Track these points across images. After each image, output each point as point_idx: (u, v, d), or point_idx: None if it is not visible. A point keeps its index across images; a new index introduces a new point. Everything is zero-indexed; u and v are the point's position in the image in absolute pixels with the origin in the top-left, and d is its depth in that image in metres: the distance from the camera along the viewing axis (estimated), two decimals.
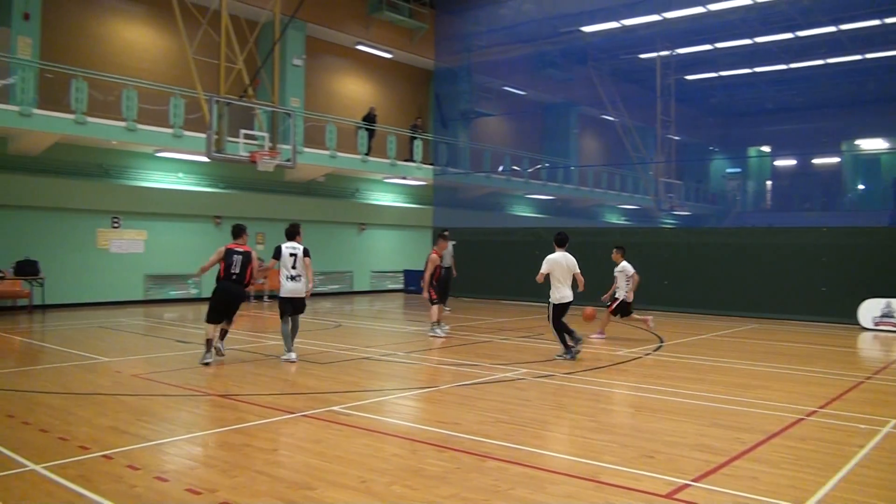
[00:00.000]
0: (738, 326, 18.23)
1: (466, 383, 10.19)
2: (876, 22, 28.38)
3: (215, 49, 18.68)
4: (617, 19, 30.42)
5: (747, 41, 32.30)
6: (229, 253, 11.86)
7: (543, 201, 37.29)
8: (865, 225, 21.66)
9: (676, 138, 37.13)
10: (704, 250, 21.66)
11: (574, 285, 12.60)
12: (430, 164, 30.36)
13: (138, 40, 24.57)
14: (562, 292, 12.39)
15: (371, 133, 28.09)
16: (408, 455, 6.63)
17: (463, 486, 5.70)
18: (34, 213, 20.70)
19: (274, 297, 24.76)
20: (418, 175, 29.64)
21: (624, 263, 15.35)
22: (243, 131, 18.26)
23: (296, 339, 12.36)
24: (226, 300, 11.91)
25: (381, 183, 30.58)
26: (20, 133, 19.57)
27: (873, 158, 39.13)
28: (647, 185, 37.96)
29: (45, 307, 20.07)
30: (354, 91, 31.58)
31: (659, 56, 33.91)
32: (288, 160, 19.73)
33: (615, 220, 41.54)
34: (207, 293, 12.72)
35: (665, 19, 29.96)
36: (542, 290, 13.27)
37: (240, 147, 18.24)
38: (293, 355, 11.89)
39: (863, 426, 7.80)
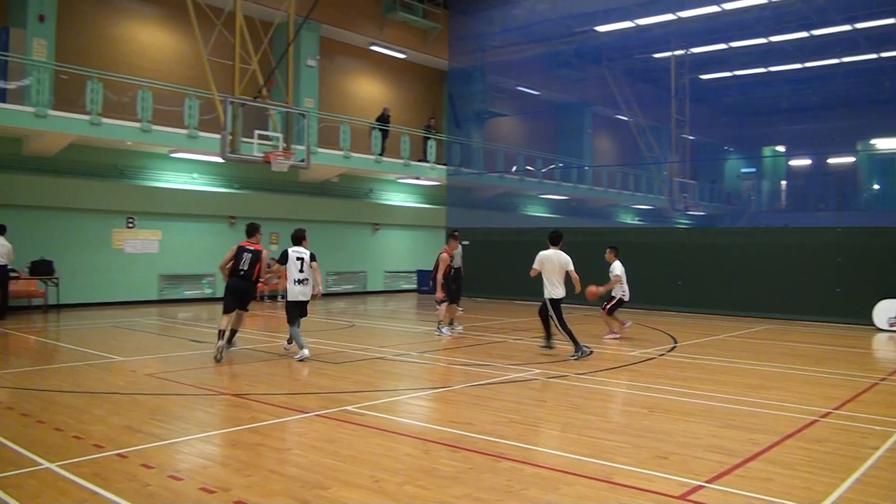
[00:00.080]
0: (752, 327, 18.15)
1: (479, 383, 10.19)
2: (892, 21, 28.18)
3: (230, 50, 18.75)
4: (631, 19, 30.33)
5: (762, 40, 32.14)
6: (240, 250, 12.31)
7: (557, 201, 37.22)
8: (881, 225, 21.49)
9: (691, 138, 36.96)
10: (719, 250, 21.57)
11: (569, 284, 12.76)
12: (444, 165, 30.35)
13: (153, 42, 24.68)
14: (554, 289, 12.64)
15: (385, 133, 28.11)
16: (421, 455, 6.64)
17: (476, 487, 5.70)
18: (49, 213, 20.82)
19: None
20: (432, 175, 29.65)
21: (616, 263, 15.57)
22: (257, 132, 18.31)
23: (307, 339, 12.55)
24: (234, 293, 12.32)
25: (395, 183, 30.61)
26: (35, 134, 19.69)
27: (889, 158, 38.83)
28: (662, 185, 37.81)
29: (59, 307, 20.18)
30: (368, 91, 31.63)
31: (673, 55, 33.78)
32: (302, 160, 19.76)
33: (629, 220, 41.41)
34: (221, 293, 12.99)
35: (679, 18, 29.86)
36: (575, 293, 13.30)
37: (254, 148, 18.29)
38: (306, 352, 12.04)
39: (877, 427, 7.75)
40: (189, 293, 24.04)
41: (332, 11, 26.96)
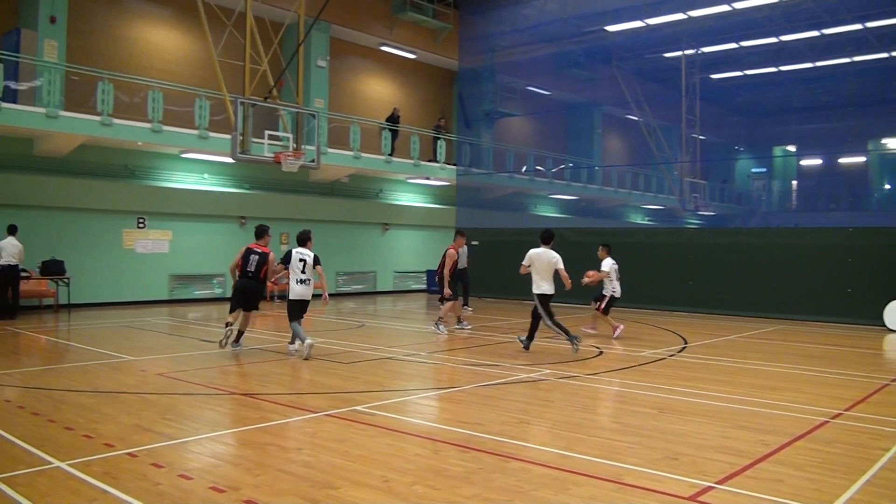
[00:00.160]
0: (762, 327, 18.10)
1: (489, 384, 10.18)
2: None
3: (240, 51, 18.80)
4: (641, 18, 30.27)
5: (773, 39, 32.04)
6: (248, 252, 12.81)
7: (567, 201, 37.18)
8: (892, 225, 21.44)
9: (701, 138, 36.84)
10: (729, 251, 21.51)
11: (558, 282, 12.95)
12: (454, 165, 30.35)
13: (163, 43, 24.75)
14: (541, 286, 12.92)
15: (394, 133, 28.13)
16: (430, 455, 6.64)
17: (485, 487, 5.70)
18: (60, 213, 20.91)
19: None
20: (441, 175, 29.65)
21: (607, 260, 15.71)
22: (268, 132, 18.35)
23: (318, 338, 12.77)
24: (242, 294, 12.78)
25: (405, 183, 30.63)
26: (46, 135, 19.77)
27: None
28: (672, 185, 37.72)
29: (70, 306, 20.25)
30: (378, 92, 31.66)
31: (684, 55, 33.69)
32: (312, 161, 19.79)
33: (639, 220, 41.33)
34: (231, 292, 13.31)
35: (690, 18, 29.78)
36: (566, 291, 13.31)
37: (264, 148, 18.33)
38: (310, 340, 12.25)
39: (888, 429, 7.72)
40: (199, 293, 24.11)
41: (343, 12, 26.99)
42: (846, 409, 8.66)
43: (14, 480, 5.70)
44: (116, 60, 22.91)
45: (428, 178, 29.77)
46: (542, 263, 12.92)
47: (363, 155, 26.56)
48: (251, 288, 12.78)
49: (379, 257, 29.94)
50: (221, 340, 12.53)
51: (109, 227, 21.97)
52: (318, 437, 7.16)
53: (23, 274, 18.59)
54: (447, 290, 16.06)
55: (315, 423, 7.76)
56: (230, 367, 11.60)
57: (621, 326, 15.64)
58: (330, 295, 26.66)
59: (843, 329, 18.07)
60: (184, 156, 23.18)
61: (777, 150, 44.39)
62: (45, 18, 20.44)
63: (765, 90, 38.98)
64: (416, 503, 5.39)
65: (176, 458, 6.43)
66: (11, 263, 17.84)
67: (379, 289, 29.92)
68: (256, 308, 13.12)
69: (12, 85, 19.29)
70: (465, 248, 17.75)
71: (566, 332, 12.91)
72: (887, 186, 39.94)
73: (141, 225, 22.66)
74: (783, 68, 35.14)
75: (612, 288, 15.69)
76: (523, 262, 13.09)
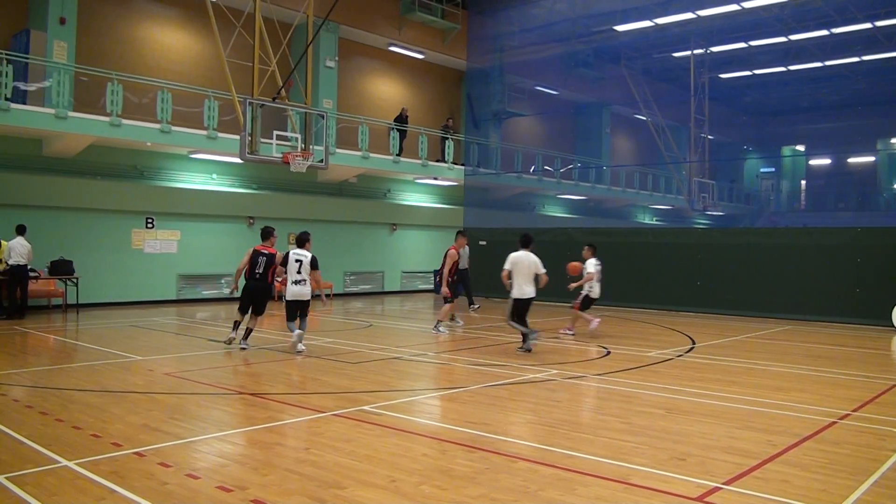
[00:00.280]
0: (771, 328, 18.06)
1: (496, 384, 10.18)
2: None
3: (249, 51, 18.82)
4: (650, 18, 30.24)
5: (782, 39, 31.98)
6: (255, 254, 13.09)
7: (575, 201, 37.15)
8: None
9: (710, 137, 36.83)
10: (738, 251, 21.45)
11: (537, 284, 13.29)
12: (462, 165, 30.34)
13: (173, 43, 24.81)
14: (521, 289, 13.10)
15: (403, 134, 28.14)
16: (437, 455, 6.64)
17: (492, 487, 5.70)
18: (69, 213, 20.97)
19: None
20: (449, 175, 29.65)
21: (591, 261, 15.84)
22: (276, 132, 18.38)
23: (304, 337, 13.06)
24: (251, 296, 13.11)
25: (413, 183, 30.63)
26: (56, 135, 19.83)
27: None
28: (680, 185, 37.68)
29: (78, 306, 20.30)
30: (386, 92, 31.67)
31: (693, 54, 33.66)
32: (320, 161, 19.83)
33: (647, 220, 41.31)
34: (239, 293, 13.57)
35: (699, 17, 29.74)
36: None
37: (273, 148, 18.36)
38: (297, 332, 12.74)
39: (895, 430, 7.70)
40: (207, 293, 24.15)
41: (351, 12, 27.00)
42: (854, 410, 8.64)
43: (22, 479, 5.73)
44: (125, 61, 22.97)
45: (436, 179, 29.77)
46: (524, 267, 13.13)
47: (371, 155, 26.57)
48: (260, 290, 13.09)
49: (387, 257, 29.95)
50: (230, 339, 12.98)
51: (118, 227, 22.03)
52: (326, 437, 7.17)
53: (31, 274, 18.65)
54: (444, 290, 16.21)
55: (322, 423, 7.77)
56: (238, 366, 11.64)
57: (597, 320, 15.83)
58: (337, 295, 27.01)
59: (851, 329, 18.01)
60: (192, 156, 23.22)
61: (786, 150, 44.33)
62: (55, 19, 20.50)
63: (774, 90, 38.92)
64: (423, 503, 5.40)
65: (183, 458, 6.45)
66: (20, 263, 17.89)
67: (387, 289, 29.94)
68: (262, 313, 13.44)
69: (22, 86, 19.35)
70: (467, 248, 17.88)
71: (524, 335, 13.17)
72: None
73: (149, 225, 22.72)
74: (792, 68, 35.08)
75: (590, 287, 15.80)
76: (505, 267, 13.25)
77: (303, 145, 19.26)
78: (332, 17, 22.17)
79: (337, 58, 27.77)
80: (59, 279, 20.18)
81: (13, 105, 18.50)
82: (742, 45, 32.94)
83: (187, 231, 23.60)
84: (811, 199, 41.84)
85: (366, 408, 8.44)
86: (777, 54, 33.86)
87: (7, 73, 18.67)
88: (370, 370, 11.22)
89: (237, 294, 13.62)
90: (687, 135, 35.97)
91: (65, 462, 6.18)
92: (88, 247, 21.21)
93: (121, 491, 5.49)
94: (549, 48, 33.08)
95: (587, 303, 15.88)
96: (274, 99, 18.88)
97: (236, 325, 13.31)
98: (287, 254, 12.93)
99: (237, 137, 18.33)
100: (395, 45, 30.32)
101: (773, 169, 44.72)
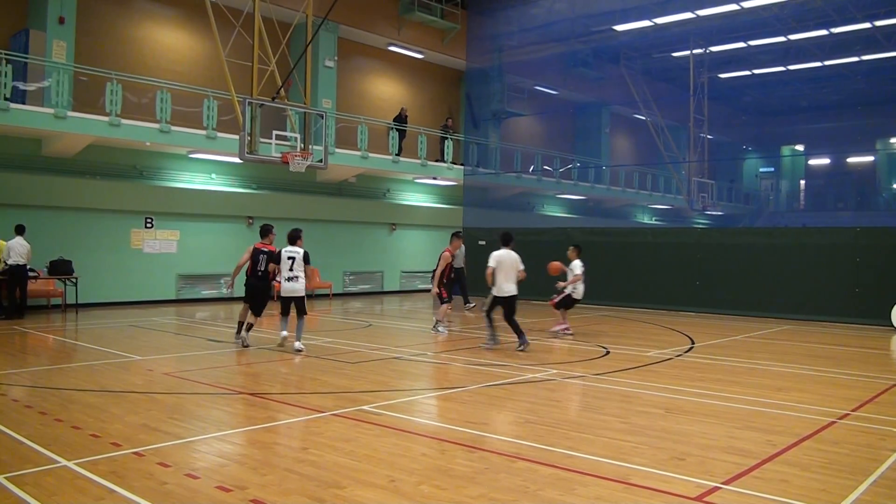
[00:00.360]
0: (770, 328, 18.06)
1: (495, 384, 10.18)
2: None
3: (248, 51, 18.81)
4: (649, 17, 30.21)
5: (781, 38, 31.94)
6: (256, 252, 13.35)
7: (574, 201, 37.14)
8: None
9: (709, 137, 36.77)
10: (737, 251, 21.45)
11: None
12: (461, 165, 30.34)
13: (172, 43, 24.80)
14: (502, 287, 13.37)
15: (402, 133, 28.13)
16: (437, 455, 6.64)
17: (491, 487, 5.70)
18: (68, 213, 20.97)
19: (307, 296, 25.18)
20: (449, 175, 29.65)
21: (576, 262, 15.95)
22: (276, 132, 18.39)
23: (304, 337, 13.26)
24: (253, 294, 13.49)
25: (412, 183, 30.63)
26: (55, 135, 19.82)
27: None
28: (680, 185, 37.64)
29: (78, 306, 20.29)
30: (386, 92, 31.67)
31: (692, 54, 33.61)
32: (319, 161, 19.83)
33: (647, 220, 41.28)
34: (240, 293, 14.02)
35: (698, 17, 29.70)
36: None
37: (272, 148, 18.37)
38: (284, 333, 13.27)
39: (895, 429, 7.70)
40: (207, 293, 24.15)
41: (350, 12, 26.99)
42: (853, 410, 8.64)
43: (21, 479, 5.73)
44: (125, 61, 22.96)
45: (435, 178, 29.77)
46: (507, 265, 13.40)
47: (371, 155, 26.58)
48: (262, 287, 13.46)
49: (386, 257, 29.96)
50: (243, 342, 13.44)
51: (117, 226, 22.03)
52: (325, 437, 7.16)
53: (30, 274, 18.64)
54: (435, 290, 16.41)
55: (322, 423, 7.76)
56: (237, 366, 11.64)
57: (565, 325, 16.01)
58: (336, 294, 27.02)
59: (851, 329, 18.02)
60: (192, 156, 23.22)
61: (785, 150, 44.26)
62: (54, 19, 20.49)
63: (773, 89, 38.87)
64: (423, 503, 5.39)
65: (182, 458, 6.44)
66: (19, 263, 17.89)
67: (386, 289, 29.95)
68: (260, 313, 13.72)
69: (21, 85, 19.36)
70: (463, 248, 18.05)
71: (492, 330, 13.61)
72: (895, 186, 39.80)
73: (149, 225, 22.72)
74: (791, 67, 35.03)
75: (574, 287, 15.91)
76: (489, 265, 13.45)
77: (302, 145, 19.26)
78: (332, 16, 22.16)
79: (336, 57, 27.76)
80: (59, 279, 20.18)
81: (12, 105, 18.50)
82: (741, 44, 32.91)
83: (187, 231, 23.60)
84: (810, 198, 41.77)
85: (365, 408, 8.44)
86: (776, 54, 33.82)
87: (6, 72, 18.67)
88: (369, 370, 11.22)
89: (232, 292, 13.94)
90: (686, 134, 35.93)
91: (64, 462, 6.18)
92: (88, 247, 21.21)
93: (120, 491, 5.49)
94: (549, 48, 33.05)
95: (569, 303, 16.02)
96: (273, 99, 18.88)
97: (240, 325, 13.73)
98: (279, 252, 13.15)
99: (236, 137, 18.33)
100: (395, 45, 30.32)
101: (772, 169, 44.65)
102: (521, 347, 13.30)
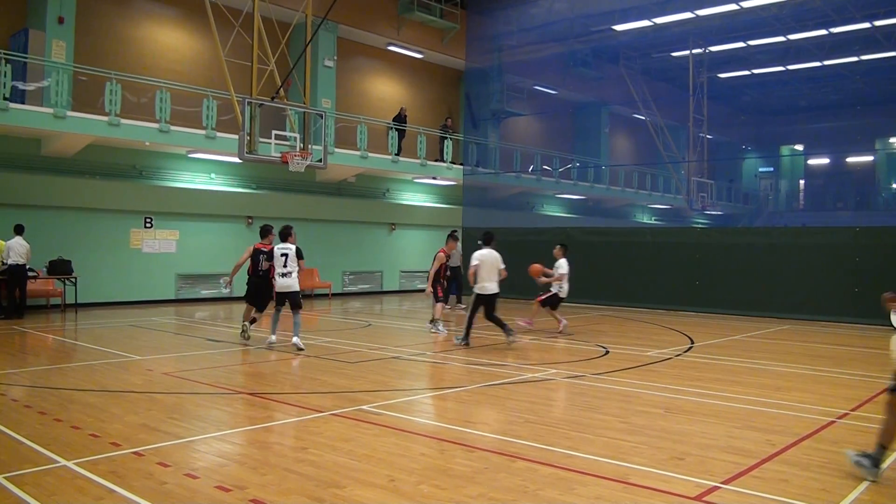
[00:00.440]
0: (769, 327, 18.06)
1: (495, 383, 10.18)
2: None
3: (247, 51, 18.80)
4: (649, 17, 30.22)
5: (781, 38, 31.96)
6: (256, 252, 13.73)
7: (574, 201, 37.16)
8: None
9: (709, 137, 36.79)
10: (736, 250, 21.45)
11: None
12: (461, 164, 30.33)
13: (171, 43, 24.80)
14: (484, 285, 13.63)
15: (401, 133, 28.13)
16: (436, 455, 6.64)
17: (491, 487, 5.70)
18: (68, 213, 20.96)
19: (305, 296, 25.22)
20: (448, 175, 29.65)
21: (562, 261, 16.19)
22: (275, 132, 18.38)
23: (300, 333, 13.29)
24: (255, 293, 13.89)
25: (412, 183, 30.63)
26: (54, 135, 19.82)
27: None
28: (679, 185, 37.67)
29: (77, 306, 20.28)
30: (385, 91, 31.66)
31: (691, 54, 33.63)
32: (319, 161, 19.82)
33: (646, 219, 41.30)
34: (238, 293, 14.07)
35: (697, 17, 29.72)
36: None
37: (271, 148, 18.36)
38: (273, 338, 13.42)
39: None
40: (206, 293, 24.14)
41: (350, 12, 26.98)
42: (853, 410, 8.64)
43: (21, 479, 5.72)
44: (124, 61, 22.95)
45: (435, 178, 29.77)
46: (489, 264, 13.65)
47: (370, 155, 26.58)
48: (263, 287, 13.70)
49: (385, 257, 29.95)
50: (245, 336, 13.93)
51: (117, 226, 22.02)
52: (324, 437, 7.16)
53: (30, 273, 18.64)
54: (429, 289, 16.50)
55: (321, 423, 7.76)
56: (236, 366, 11.65)
57: (532, 326, 16.44)
58: (335, 294, 27.02)
59: (850, 329, 18.01)
60: (191, 156, 23.22)
61: (784, 150, 44.29)
62: (53, 19, 20.49)
63: (772, 89, 38.90)
64: (422, 503, 5.39)
65: (182, 458, 6.44)
66: (19, 263, 17.89)
67: (385, 288, 29.95)
68: (263, 310, 13.99)
69: (20, 85, 19.35)
70: (459, 248, 18.20)
71: (467, 332, 13.81)
72: (895, 186, 39.82)
73: (148, 225, 22.71)
74: (791, 67, 35.05)
75: (559, 287, 16.12)
76: (472, 264, 13.71)
77: (301, 145, 19.25)
78: (331, 16, 22.15)
79: (336, 57, 27.76)
80: (58, 279, 20.17)
81: (12, 105, 18.50)
82: (741, 44, 32.93)
83: (186, 231, 23.60)
84: (810, 198, 41.79)
85: (364, 407, 8.44)
86: (776, 54, 33.84)
87: (6, 72, 18.67)
88: (369, 370, 11.22)
89: (231, 290, 14.26)
90: (686, 134, 35.95)
91: (63, 462, 6.18)
92: (87, 246, 21.21)
93: (120, 491, 5.49)
94: (548, 48, 33.06)
95: (555, 301, 16.20)
96: (273, 98, 18.87)
97: (245, 326, 14.13)
98: (271, 249, 13.42)
99: (236, 137, 18.33)
100: (394, 45, 30.32)
101: (771, 168, 44.67)
102: (510, 338, 13.65)
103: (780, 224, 34.30)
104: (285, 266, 13.11)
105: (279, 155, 18.46)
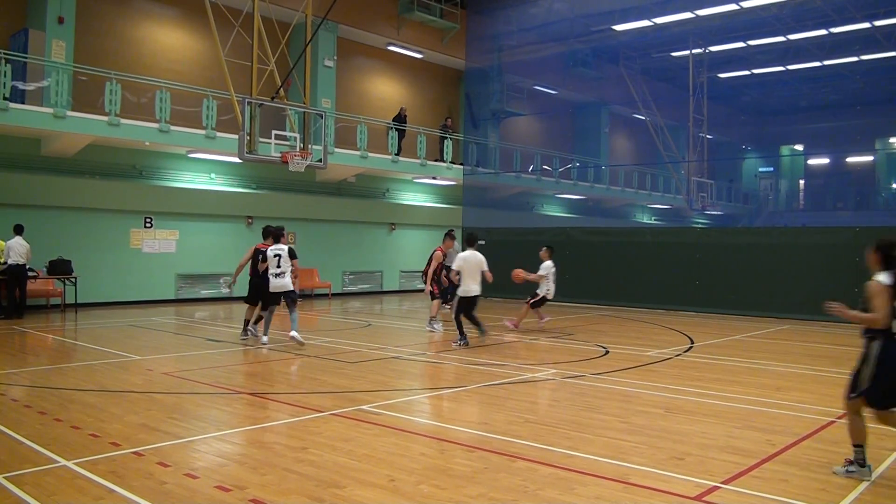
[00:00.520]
0: (769, 327, 18.06)
1: (495, 383, 10.18)
2: None
3: (247, 51, 18.80)
4: (649, 17, 30.24)
5: (781, 38, 31.98)
6: (257, 252, 13.96)
7: (574, 201, 37.17)
8: None
9: (709, 137, 36.81)
10: (736, 250, 21.44)
11: (483, 281, 13.98)
12: (461, 164, 30.33)
13: (171, 43, 24.79)
14: (468, 287, 13.78)
15: (401, 133, 28.12)
16: (436, 454, 6.64)
17: (491, 486, 5.70)
18: (67, 213, 20.95)
19: (305, 296, 25.23)
20: (448, 175, 29.64)
21: (547, 262, 16.62)
22: (275, 132, 18.38)
23: (299, 330, 13.45)
24: (256, 293, 14.06)
25: (412, 183, 30.62)
26: (54, 135, 19.82)
27: None
28: (679, 185, 37.68)
29: (77, 306, 20.27)
30: (385, 91, 31.66)
31: (691, 54, 33.65)
32: (319, 161, 19.83)
33: (646, 219, 41.32)
34: (238, 293, 14.17)
35: (697, 17, 29.73)
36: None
37: (271, 148, 18.36)
38: (265, 339, 13.54)
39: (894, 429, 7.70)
40: (206, 293, 24.13)
41: (350, 12, 26.98)
42: None
43: (21, 479, 5.72)
44: (124, 60, 22.94)
45: (434, 178, 29.76)
46: (472, 265, 13.81)
47: (370, 154, 26.57)
48: (265, 287, 13.73)
49: (385, 257, 29.95)
50: (258, 335, 14.03)
51: (116, 226, 22.01)
52: (324, 437, 7.16)
53: (30, 273, 18.64)
54: (428, 287, 16.61)
55: (321, 423, 7.76)
56: (236, 366, 11.65)
57: (517, 328, 16.67)
58: (335, 294, 27.01)
59: (850, 329, 17.87)
60: (191, 156, 23.21)
61: (784, 150, 44.32)
62: (53, 19, 20.48)
63: (772, 89, 38.93)
64: (422, 502, 5.39)
65: (182, 457, 6.44)
66: (19, 263, 17.89)
67: (385, 288, 29.94)
68: (266, 308, 13.99)
69: (20, 85, 19.35)
70: (456, 246, 18.27)
71: (461, 331, 13.83)
72: (895, 186, 39.83)
73: (148, 225, 22.70)
74: (791, 67, 35.08)
75: (547, 289, 16.52)
76: (453, 267, 14.04)
77: (301, 145, 19.26)
78: (331, 16, 22.16)
79: (336, 57, 27.76)
80: (58, 279, 20.16)
81: (12, 105, 18.49)
82: (741, 44, 32.96)
83: (186, 231, 23.59)
84: (810, 198, 41.83)
85: (364, 407, 8.44)
86: (776, 54, 33.86)
87: (6, 72, 18.66)
88: (369, 370, 11.22)
89: (232, 291, 14.38)
90: (685, 134, 35.97)
91: (63, 462, 6.18)
92: (87, 246, 21.20)
93: (119, 490, 5.49)
94: (548, 48, 33.08)
95: (540, 302, 16.65)
96: (272, 98, 18.88)
97: (246, 323, 14.43)
98: (266, 249, 13.63)
99: (236, 137, 18.34)
100: (394, 45, 30.31)
101: (771, 168, 44.71)
102: (483, 336, 13.95)
103: (780, 224, 34.32)
104: (279, 266, 13.34)
105: (279, 155, 18.47)
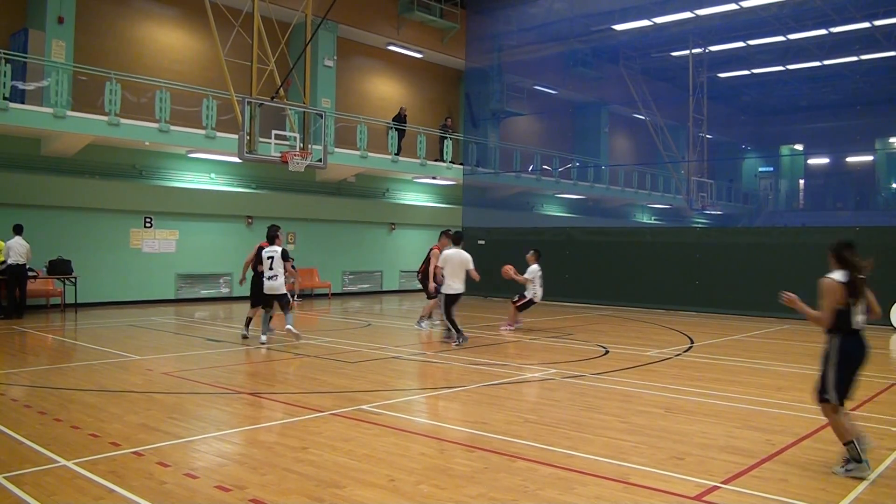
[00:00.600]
0: (769, 327, 18.07)
1: (495, 383, 10.18)
2: None
3: (247, 51, 18.79)
4: (649, 17, 30.22)
5: (780, 38, 31.96)
6: (260, 251, 13.91)
7: (574, 201, 37.15)
8: None
9: (708, 137, 36.77)
10: (736, 250, 21.45)
11: (468, 279, 14.10)
12: (461, 164, 30.33)
13: (171, 43, 24.79)
14: (451, 285, 13.92)
15: (401, 133, 28.12)
16: (436, 454, 6.64)
17: (491, 486, 5.70)
18: (67, 213, 20.94)
19: (304, 295, 25.28)
20: (448, 175, 29.64)
21: (534, 266, 16.81)
22: (275, 132, 18.37)
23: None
24: (259, 293, 14.02)
25: (412, 183, 30.62)
26: (54, 135, 19.81)
27: None
28: (679, 185, 37.66)
29: (77, 306, 20.27)
30: (385, 91, 31.66)
31: (691, 53, 33.62)
32: (319, 160, 19.82)
33: (646, 219, 41.30)
34: (238, 292, 14.26)
35: (697, 17, 29.72)
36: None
37: (271, 147, 18.35)
38: (264, 338, 13.64)
39: (893, 429, 7.70)
40: (206, 293, 24.13)
41: (350, 12, 26.97)
42: (852, 409, 8.60)
43: (20, 479, 5.72)
44: (124, 60, 22.93)
45: (434, 178, 29.76)
46: (455, 264, 13.92)
47: (370, 154, 26.56)
48: (259, 287, 13.89)
49: (385, 257, 29.94)
50: (260, 335, 13.86)
51: (116, 226, 22.00)
52: (324, 437, 7.16)
53: (30, 273, 18.63)
54: (432, 286, 16.57)
55: (321, 423, 7.76)
56: (236, 366, 11.64)
57: (512, 326, 16.84)
58: (335, 294, 27.01)
59: None
60: (191, 155, 23.20)
61: (784, 149, 44.27)
62: (53, 19, 20.46)
63: (772, 89, 38.88)
64: (422, 502, 5.39)
65: (182, 457, 6.44)
66: (19, 263, 17.88)
67: (385, 288, 29.93)
68: (269, 307, 14.06)
69: (20, 85, 19.34)
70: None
71: (457, 329, 13.90)
72: (895, 186, 39.81)
73: (148, 224, 22.70)
74: (791, 67, 35.05)
75: (534, 292, 16.70)
76: (437, 265, 14.20)
77: (301, 145, 19.25)
78: (331, 16, 22.16)
79: (335, 57, 27.75)
80: (58, 279, 20.16)
81: (11, 104, 18.48)
82: (741, 44, 32.93)
83: (186, 230, 23.58)
84: (809, 198, 41.77)
85: (364, 407, 8.44)
86: (776, 54, 33.83)
87: (5, 72, 18.65)
88: (369, 369, 11.22)
89: (244, 286, 14.72)
90: (685, 134, 35.94)
91: (63, 462, 6.18)
92: (87, 246, 21.19)
93: (119, 490, 5.49)
94: (548, 47, 33.07)
95: (526, 305, 16.85)
96: (272, 98, 18.87)
97: (248, 321, 14.59)
98: (259, 250, 13.80)
99: (235, 137, 18.33)
100: (394, 45, 30.30)
101: (771, 168, 44.65)
102: (461, 340, 13.87)
103: (780, 224, 34.25)
104: (271, 269, 13.44)
105: (279, 155, 18.46)
